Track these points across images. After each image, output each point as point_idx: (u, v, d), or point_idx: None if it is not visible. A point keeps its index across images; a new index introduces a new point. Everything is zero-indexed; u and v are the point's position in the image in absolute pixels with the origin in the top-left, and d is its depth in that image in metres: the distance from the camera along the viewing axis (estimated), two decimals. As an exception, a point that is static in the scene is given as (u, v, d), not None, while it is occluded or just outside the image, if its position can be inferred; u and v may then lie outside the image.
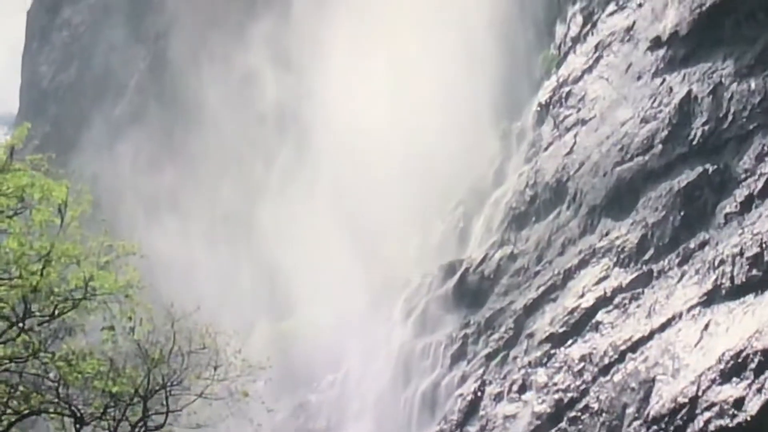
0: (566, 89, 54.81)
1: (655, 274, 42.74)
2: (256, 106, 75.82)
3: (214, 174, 77.13)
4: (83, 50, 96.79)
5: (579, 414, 42.20)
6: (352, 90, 63.91)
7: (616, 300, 43.58)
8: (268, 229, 68.09)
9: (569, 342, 44.63)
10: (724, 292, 39.21)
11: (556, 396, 43.59)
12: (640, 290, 42.92)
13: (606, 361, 42.26)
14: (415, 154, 58.85)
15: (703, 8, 47.69)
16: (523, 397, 45.52)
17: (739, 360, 36.41)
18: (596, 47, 54.38)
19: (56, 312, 25.28)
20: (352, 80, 64.47)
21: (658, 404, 38.65)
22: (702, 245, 41.59)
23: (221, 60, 79.63)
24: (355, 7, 67.24)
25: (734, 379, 36.25)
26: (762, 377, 35.43)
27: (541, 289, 47.85)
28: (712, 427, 36.25)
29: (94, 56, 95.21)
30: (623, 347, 41.82)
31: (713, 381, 36.93)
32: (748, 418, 35.29)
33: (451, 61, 59.95)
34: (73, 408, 25.65)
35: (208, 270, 70.07)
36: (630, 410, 39.87)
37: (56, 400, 25.61)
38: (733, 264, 39.42)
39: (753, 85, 43.77)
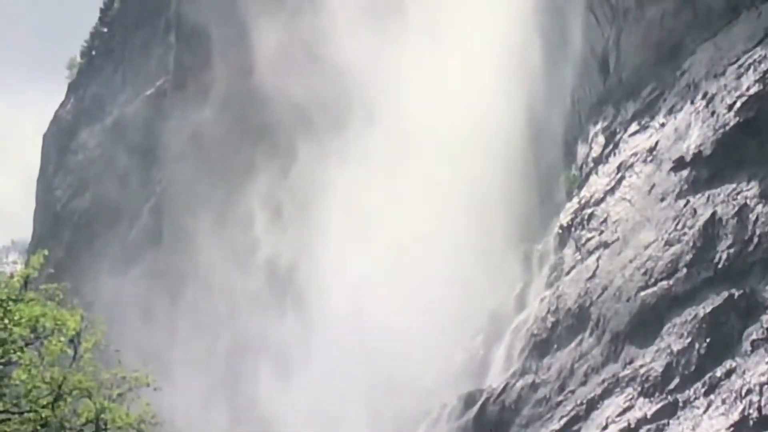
0: (588, 211, 55.29)
1: (680, 404, 42.64)
2: (249, 260, 76.91)
3: (211, 326, 77.81)
4: (98, 174, 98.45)
5: None
6: (354, 238, 64.96)
7: (641, 432, 43.55)
8: (267, 386, 68.66)
9: (593, 476, 44.54)
10: (751, 423, 39.14)
11: None
12: (665, 421, 42.76)
13: (631, 497, 42.14)
14: (432, 281, 59.47)
15: (727, 128, 48.30)
16: None
17: (768, 495, 36.35)
18: (618, 168, 54.90)
19: (67, 447, 25.38)
20: (353, 229, 65.54)
21: None
22: (728, 374, 41.59)
23: (217, 210, 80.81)
24: (354, 159, 68.50)
25: None
26: None
27: (564, 420, 47.67)
28: None
29: (109, 180, 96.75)
30: (649, 482, 41.73)
31: None
32: None
33: (469, 185, 60.86)
34: None
35: (209, 420, 70.34)
36: None
37: None
38: (761, 393, 39.44)
39: (778, 207, 44.26)
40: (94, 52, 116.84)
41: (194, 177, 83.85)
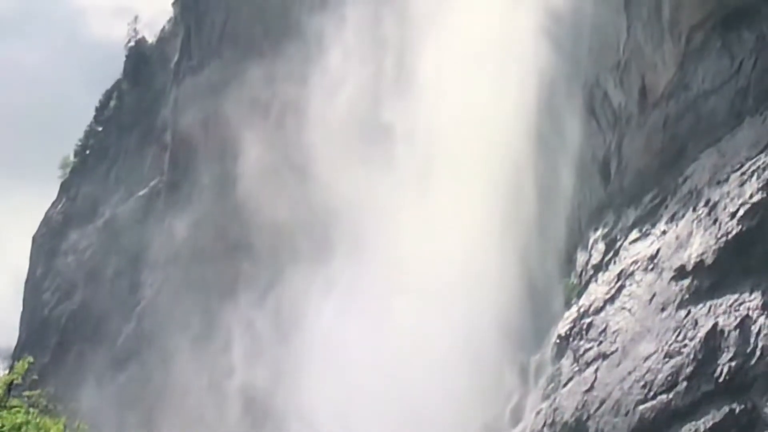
0: (587, 320, 55.07)
1: None
2: (225, 386, 76.65)
3: None
4: (87, 277, 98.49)
5: None
6: (336, 367, 64.75)
7: None
8: None
9: None
10: None
11: None
12: None
13: None
14: (424, 396, 59.06)
15: (730, 236, 48.23)
16: None
17: None
18: (618, 276, 54.75)
19: None
20: (335, 359, 65.36)
21: None
22: (729, 493, 41.21)
23: (197, 328, 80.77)
24: (339, 291, 68.54)
25: None
26: None
27: None
28: None
29: (98, 284, 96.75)
30: None
31: None
32: None
33: (462, 298, 60.76)
34: None
35: None
36: None
37: None
38: None
39: (782, 318, 43.95)
40: (88, 151, 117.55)
41: (178, 289, 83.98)
